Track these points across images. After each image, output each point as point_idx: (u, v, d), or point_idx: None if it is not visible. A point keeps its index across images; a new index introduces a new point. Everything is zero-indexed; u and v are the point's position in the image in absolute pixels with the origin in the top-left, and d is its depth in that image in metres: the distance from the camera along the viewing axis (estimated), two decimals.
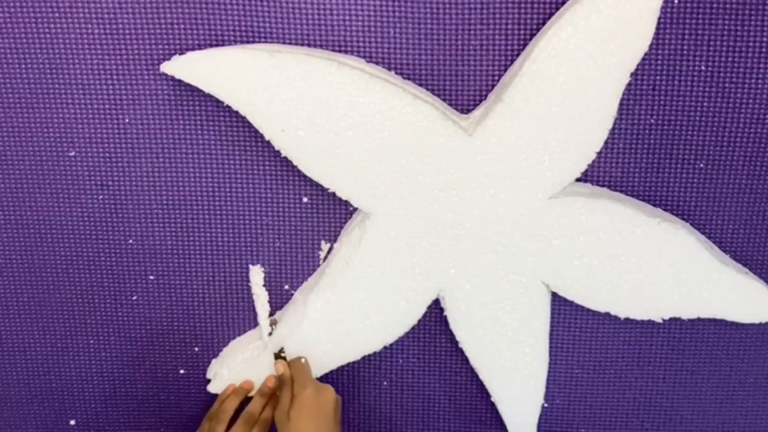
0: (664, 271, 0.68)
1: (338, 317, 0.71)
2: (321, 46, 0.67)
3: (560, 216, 0.67)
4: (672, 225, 0.67)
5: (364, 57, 0.67)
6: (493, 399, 0.74)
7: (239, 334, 0.76)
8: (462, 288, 0.70)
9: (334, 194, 0.68)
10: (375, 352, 0.73)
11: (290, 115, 0.65)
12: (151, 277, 0.74)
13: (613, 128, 0.65)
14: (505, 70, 0.67)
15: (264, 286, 0.74)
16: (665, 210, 0.71)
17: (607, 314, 0.73)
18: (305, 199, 0.72)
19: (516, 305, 0.70)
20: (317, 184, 0.68)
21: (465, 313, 0.70)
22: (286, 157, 0.67)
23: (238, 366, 0.74)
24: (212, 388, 0.74)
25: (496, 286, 0.69)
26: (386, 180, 0.67)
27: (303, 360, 0.72)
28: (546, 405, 0.77)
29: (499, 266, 0.69)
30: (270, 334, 0.72)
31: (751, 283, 0.69)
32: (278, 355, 0.72)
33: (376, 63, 0.67)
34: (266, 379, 0.73)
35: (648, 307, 0.70)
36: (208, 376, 0.75)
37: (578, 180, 0.68)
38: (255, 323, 0.76)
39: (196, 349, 0.76)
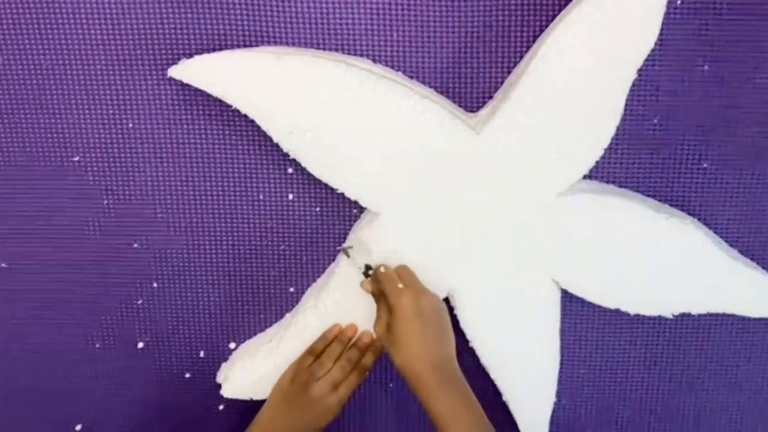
0: (672, 266, 0.68)
1: (348, 317, 0.71)
2: (328, 48, 0.68)
3: (569, 213, 0.67)
4: (680, 220, 0.68)
5: (372, 58, 0.68)
6: (504, 398, 0.74)
7: (245, 339, 0.76)
8: (472, 286, 0.70)
9: (342, 195, 0.68)
10: (383, 354, 0.73)
11: (299, 117, 0.65)
12: (155, 285, 0.74)
13: (619, 127, 0.66)
14: (512, 69, 0.67)
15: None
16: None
17: (612, 314, 0.73)
18: (313, 201, 0.72)
19: (526, 303, 0.70)
20: (326, 185, 0.68)
21: (475, 311, 0.70)
22: (293, 159, 0.67)
23: (249, 369, 0.73)
24: (225, 392, 0.74)
25: (505, 284, 0.70)
26: (395, 180, 0.67)
27: (382, 269, 0.68)
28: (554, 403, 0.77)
29: (509, 264, 0.69)
30: (349, 257, 0.70)
31: (759, 277, 0.70)
32: (366, 273, 0.69)
33: (384, 64, 0.68)
34: (346, 328, 0.72)
35: (657, 303, 0.70)
36: (218, 380, 0.75)
37: (585, 178, 0.68)
38: (261, 327, 0.76)
39: (202, 353, 0.76)
